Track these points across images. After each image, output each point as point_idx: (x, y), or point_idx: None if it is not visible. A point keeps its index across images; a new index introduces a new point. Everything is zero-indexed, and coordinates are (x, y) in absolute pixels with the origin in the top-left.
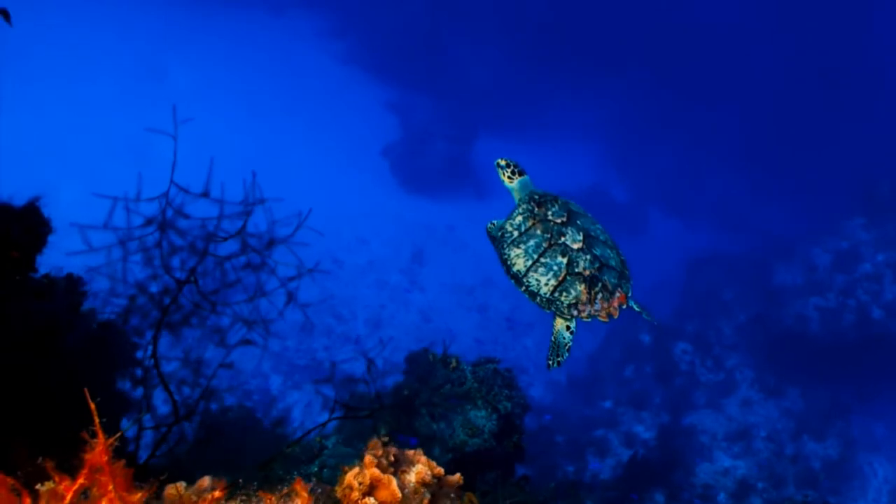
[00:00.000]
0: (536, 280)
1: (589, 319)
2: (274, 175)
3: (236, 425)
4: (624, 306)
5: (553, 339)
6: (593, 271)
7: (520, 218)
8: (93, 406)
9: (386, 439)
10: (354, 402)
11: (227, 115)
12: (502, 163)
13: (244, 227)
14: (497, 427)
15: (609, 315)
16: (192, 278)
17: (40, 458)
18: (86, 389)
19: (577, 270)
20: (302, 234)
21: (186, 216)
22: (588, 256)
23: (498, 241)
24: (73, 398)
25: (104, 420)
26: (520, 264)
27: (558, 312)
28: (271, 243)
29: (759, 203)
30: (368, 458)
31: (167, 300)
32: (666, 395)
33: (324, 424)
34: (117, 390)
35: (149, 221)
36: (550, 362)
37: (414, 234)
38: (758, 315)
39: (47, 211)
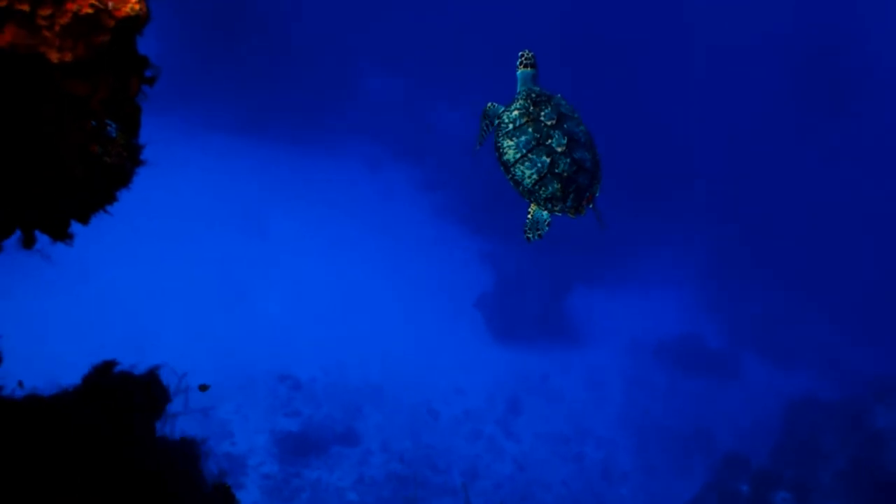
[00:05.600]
0: (522, 171)
1: (560, 214)
2: (370, 326)
3: None
4: (590, 206)
5: (530, 216)
6: (570, 174)
7: (516, 112)
8: None
9: None
10: None
11: (324, 266)
12: (523, 53)
13: None
14: None
15: (577, 212)
16: None
17: None
18: None
19: (556, 171)
20: (397, 384)
21: None
22: (568, 160)
23: (495, 128)
24: None
25: None
26: (510, 154)
27: (535, 202)
28: None
29: (857, 344)
30: None
31: None
32: None
33: None
34: None
35: None
36: (530, 235)
37: (509, 384)
38: (858, 460)
39: (165, 378)
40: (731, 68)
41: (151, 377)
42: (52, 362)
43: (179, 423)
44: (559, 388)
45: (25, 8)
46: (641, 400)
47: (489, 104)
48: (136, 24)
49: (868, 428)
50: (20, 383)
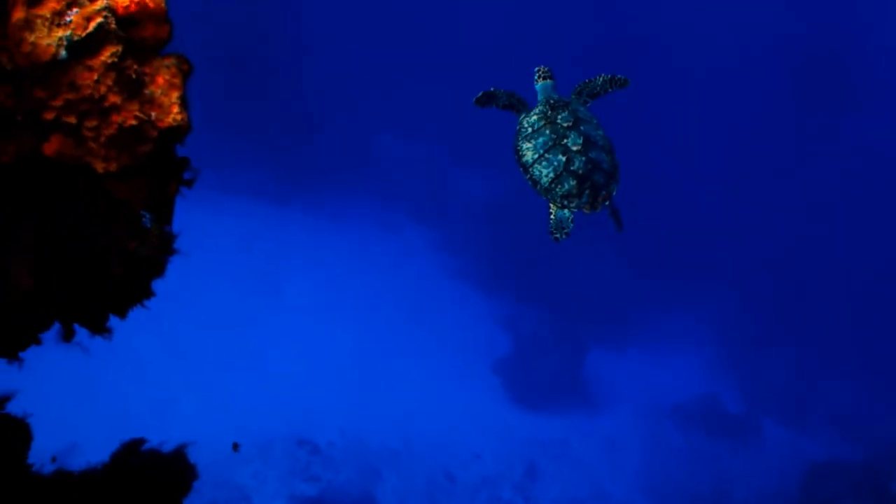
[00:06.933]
0: (539, 171)
1: (576, 210)
2: (388, 390)
3: None
4: (606, 203)
5: (553, 217)
6: (585, 171)
7: (535, 117)
8: None
9: None
10: None
11: (341, 329)
12: (539, 68)
13: None
14: None
15: (592, 208)
16: None
17: None
18: None
19: (572, 168)
20: (415, 448)
21: None
22: (584, 158)
23: (515, 133)
24: None
25: None
26: (528, 156)
27: (553, 201)
28: None
29: (877, 407)
30: None
31: None
32: None
33: None
34: None
35: None
36: (557, 236)
37: (526, 449)
38: None
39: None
40: (740, 105)
41: (179, 454)
42: (76, 432)
43: (202, 491)
44: (577, 451)
45: (72, 120)
46: (660, 463)
47: (519, 96)
48: (177, 133)
49: (888, 492)
50: (53, 458)
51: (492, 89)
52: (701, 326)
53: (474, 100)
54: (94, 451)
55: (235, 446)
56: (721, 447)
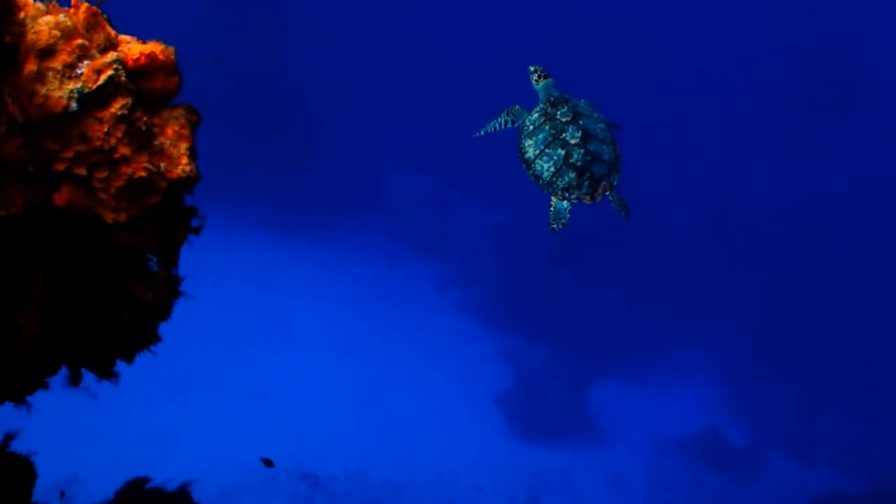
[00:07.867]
0: (541, 166)
1: (577, 201)
2: (391, 423)
3: None
4: (607, 193)
5: (553, 209)
6: (584, 163)
7: (536, 115)
8: None
9: None
10: None
11: (345, 362)
12: (533, 68)
13: None
14: None
15: (592, 199)
16: None
17: None
18: None
19: (571, 161)
20: (417, 482)
21: None
22: (582, 151)
23: (518, 131)
24: None
25: None
26: (530, 152)
27: (554, 194)
28: None
29: (883, 439)
30: None
31: None
32: None
33: None
34: None
35: None
36: (554, 226)
37: (529, 482)
38: None
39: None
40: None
41: (183, 493)
42: (78, 464)
43: None
44: (580, 484)
45: (83, 172)
46: (664, 498)
47: (517, 106)
48: (186, 184)
49: None
50: (62, 494)
51: (491, 129)
52: (705, 359)
53: (483, 132)
54: (95, 483)
55: (269, 463)
56: (725, 480)
